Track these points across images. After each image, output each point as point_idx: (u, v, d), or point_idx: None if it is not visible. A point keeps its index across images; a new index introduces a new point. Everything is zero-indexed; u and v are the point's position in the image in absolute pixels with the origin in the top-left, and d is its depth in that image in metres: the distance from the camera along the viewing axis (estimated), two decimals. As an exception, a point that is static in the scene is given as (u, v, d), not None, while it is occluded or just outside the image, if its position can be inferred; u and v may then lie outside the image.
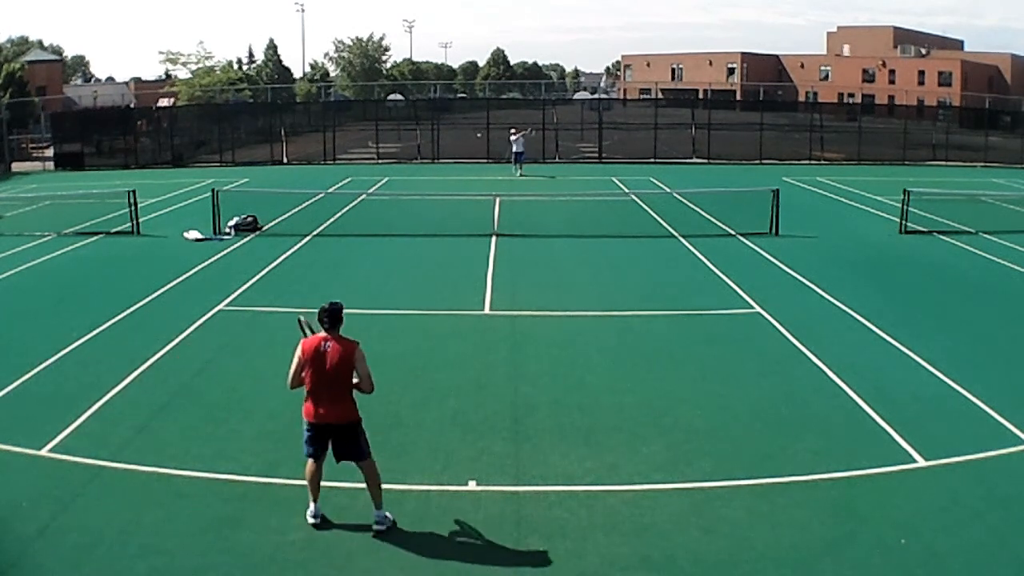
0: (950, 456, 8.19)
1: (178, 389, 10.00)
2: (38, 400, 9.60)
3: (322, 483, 7.05)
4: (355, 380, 6.91)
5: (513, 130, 33.07)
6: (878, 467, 7.97)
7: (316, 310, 7.01)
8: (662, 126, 40.57)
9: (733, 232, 20.00)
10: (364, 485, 7.05)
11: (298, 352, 6.91)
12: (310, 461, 6.98)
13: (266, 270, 16.22)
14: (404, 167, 37.16)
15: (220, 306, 13.55)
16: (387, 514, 6.99)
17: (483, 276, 15.59)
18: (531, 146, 36.42)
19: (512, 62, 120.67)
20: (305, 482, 7.08)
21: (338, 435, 6.90)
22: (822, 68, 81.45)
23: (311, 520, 6.98)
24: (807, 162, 38.95)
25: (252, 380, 10.34)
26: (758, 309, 13.39)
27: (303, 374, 6.88)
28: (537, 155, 37.47)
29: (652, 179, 31.19)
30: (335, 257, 17.58)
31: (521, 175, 31.84)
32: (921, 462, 8.11)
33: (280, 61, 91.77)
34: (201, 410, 9.38)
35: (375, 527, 6.92)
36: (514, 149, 32.41)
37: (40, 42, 79.69)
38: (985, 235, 19.75)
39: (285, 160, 39.48)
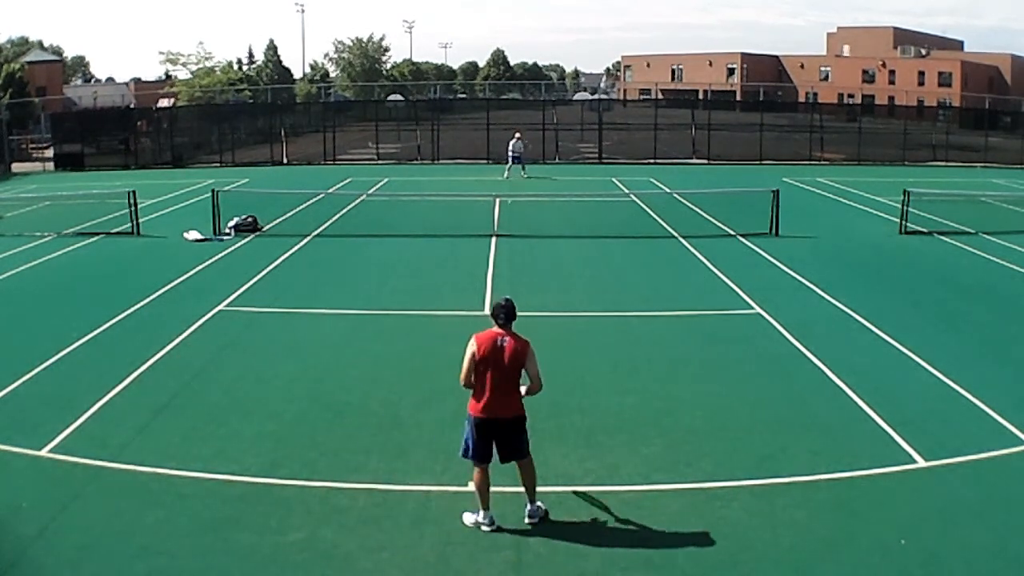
0: (950, 456, 8.19)
1: (178, 390, 10.00)
2: (38, 400, 9.60)
3: (325, 484, 7.08)
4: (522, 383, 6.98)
5: (518, 134, 32.78)
6: (878, 467, 7.97)
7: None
8: (662, 127, 40.57)
9: (733, 233, 20.01)
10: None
11: (472, 348, 6.87)
12: (478, 470, 6.93)
13: (266, 270, 16.22)
14: (404, 167, 37.17)
15: (220, 306, 13.53)
16: (540, 504, 7.08)
17: (483, 276, 15.59)
18: (534, 147, 36.30)
19: (512, 62, 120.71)
20: (472, 489, 7.02)
21: (505, 430, 6.93)
22: (822, 68, 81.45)
23: (487, 528, 6.91)
24: (807, 163, 38.94)
25: (252, 380, 10.34)
26: (758, 310, 13.39)
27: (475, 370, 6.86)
28: (537, 156, 37.46)
29: (652, 180, 31.20)
30: (335, 258, 17.57)
31: (516, 176, 31.60)
32: (921, 462, 8.10)
33: (280, 61, 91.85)
34: (201, 411, 9.37)
35: (528, 520, 6.97)
36: (511, 152, 32.06)
37: (40, 42, 79.73)
38: (985, 235, 19.75)
39: (285, 160, 39.50)
